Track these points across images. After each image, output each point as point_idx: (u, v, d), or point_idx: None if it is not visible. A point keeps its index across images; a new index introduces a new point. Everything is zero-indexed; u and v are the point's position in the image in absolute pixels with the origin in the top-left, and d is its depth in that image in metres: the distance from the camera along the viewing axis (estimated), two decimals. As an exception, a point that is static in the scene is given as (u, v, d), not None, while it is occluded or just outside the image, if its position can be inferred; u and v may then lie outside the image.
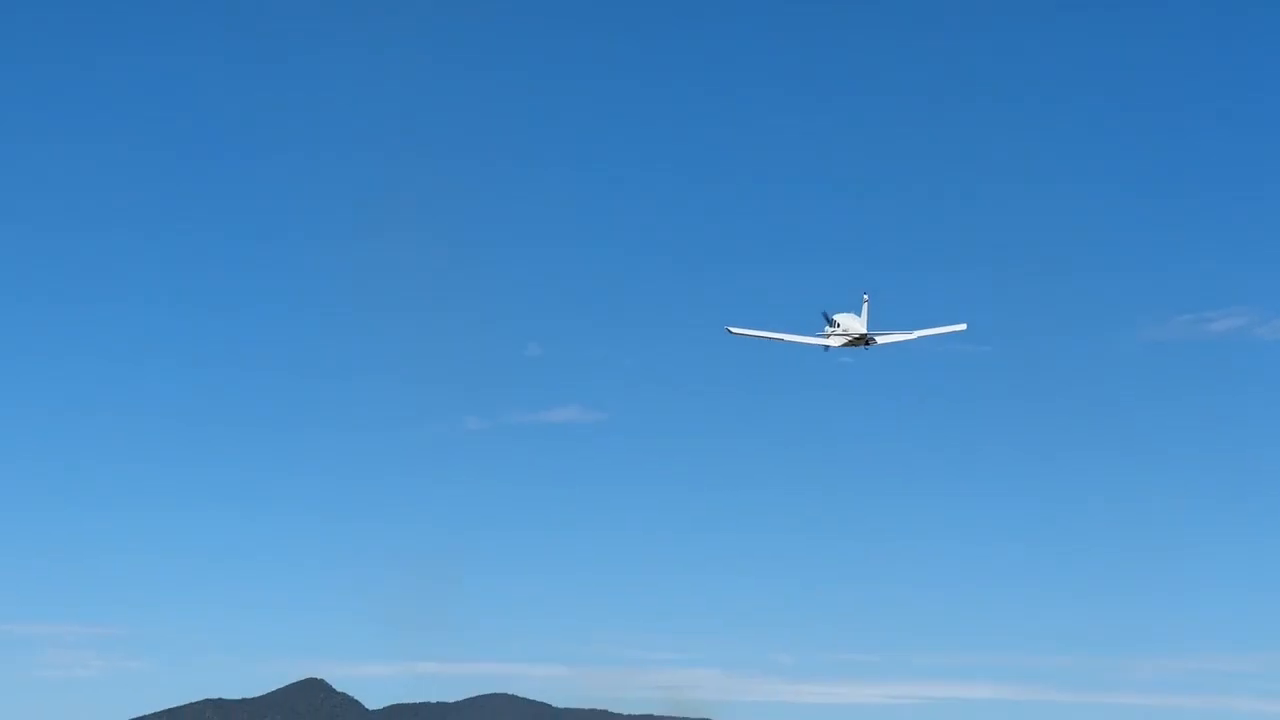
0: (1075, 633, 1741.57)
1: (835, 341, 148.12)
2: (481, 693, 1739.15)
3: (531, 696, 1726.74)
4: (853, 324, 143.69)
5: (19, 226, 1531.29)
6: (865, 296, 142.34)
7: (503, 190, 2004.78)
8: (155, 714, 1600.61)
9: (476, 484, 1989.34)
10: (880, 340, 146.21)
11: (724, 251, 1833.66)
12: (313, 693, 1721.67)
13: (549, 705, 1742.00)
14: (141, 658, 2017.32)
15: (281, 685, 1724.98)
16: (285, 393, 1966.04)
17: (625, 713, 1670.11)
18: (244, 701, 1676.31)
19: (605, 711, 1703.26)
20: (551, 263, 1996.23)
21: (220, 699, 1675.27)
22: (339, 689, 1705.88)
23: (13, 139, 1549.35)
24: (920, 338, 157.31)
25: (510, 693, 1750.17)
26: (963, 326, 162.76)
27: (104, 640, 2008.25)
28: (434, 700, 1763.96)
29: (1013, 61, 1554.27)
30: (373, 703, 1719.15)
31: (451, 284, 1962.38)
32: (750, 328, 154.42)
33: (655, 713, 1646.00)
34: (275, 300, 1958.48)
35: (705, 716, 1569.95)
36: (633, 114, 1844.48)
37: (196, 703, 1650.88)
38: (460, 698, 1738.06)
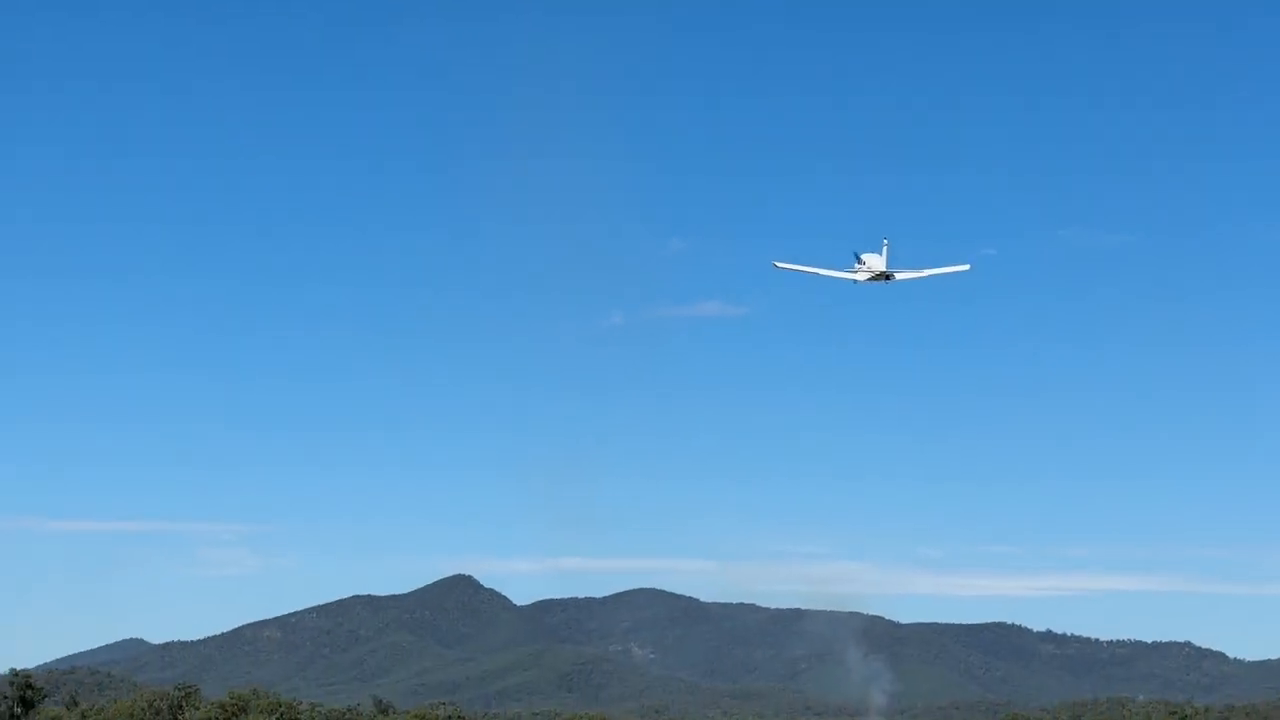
0: (1222, 525, 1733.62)
1: (862, 276, 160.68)
2: (628, 588, 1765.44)
3: (678, 591, 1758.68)
4: (876, 263, 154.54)
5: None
6: (885, 241, 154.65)
7: (643, 100, 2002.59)
8: (307, 610, 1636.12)
9: (620, 380, 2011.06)
10: (898, 276, 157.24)
11: (869, 155, 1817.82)
12: (461, 589, 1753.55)
13: (696, 600, 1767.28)
14: (294, 555, 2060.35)
15: (430, 582, 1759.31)
16: (432, 302, 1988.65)
17: (772, 606, 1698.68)
18: (393, 598, 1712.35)
19: (752, 605, 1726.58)
20: (691, 158, 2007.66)
21: (370, 595, 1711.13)
22: (486, 585, 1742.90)
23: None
24: (930, 275, 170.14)
25: (657, 587, 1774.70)
26: (966, 267, 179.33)
27: (258, 538, 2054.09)
28: (581, 596, 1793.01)
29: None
30: (520, 598, 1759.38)
31: (593, 181, 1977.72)
32: (798, 262, 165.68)
33: (802, 606, 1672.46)
34: (419, 216, 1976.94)
35: (852, 609, 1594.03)
36: (770, 36, 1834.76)
37: (347, 599, 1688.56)
38: (607, 593, 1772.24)
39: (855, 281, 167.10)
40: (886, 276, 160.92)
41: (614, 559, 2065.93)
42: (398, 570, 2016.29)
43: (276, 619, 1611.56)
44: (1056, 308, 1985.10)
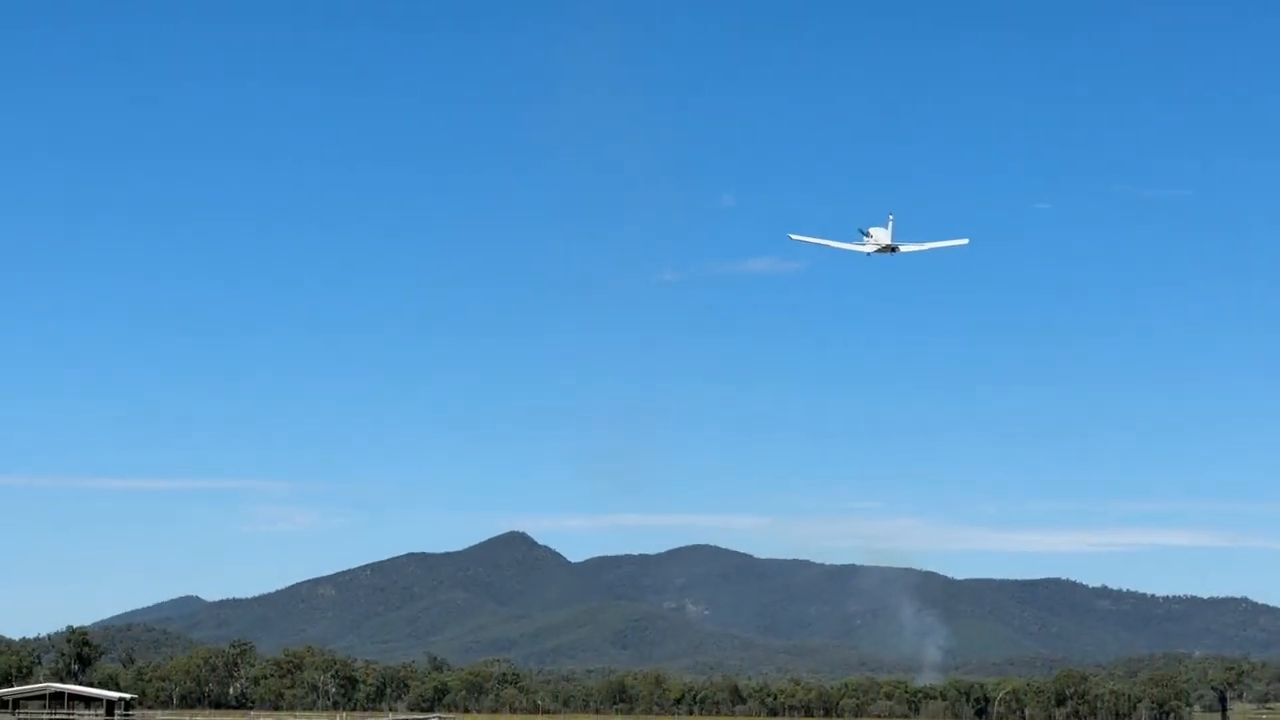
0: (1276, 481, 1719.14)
1: (869, 248, 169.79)
2: (682, 545, 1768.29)
3: (733, 548, 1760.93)
4: (881, 236, 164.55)
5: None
6: (890, 216, 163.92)
7: (693, 46, 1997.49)
8: (361, 567, 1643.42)
9: (672, 337, 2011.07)
10: (903, 249, 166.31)
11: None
12: (515, 546, 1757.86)
13: (750, 556, 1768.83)
14: (347, 513, 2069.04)
15: (485, 539, 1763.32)
16: (484, 256, 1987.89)
17: (826, 562, 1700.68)
18: (448, 555, 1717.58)
19: (807, 561, 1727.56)
20: (746, 110, 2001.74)
21: (424, 552, 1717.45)
22: (541, 542, 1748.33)
23: None
24: (931, 248, 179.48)
25: (711, 544, 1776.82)
26: (965, 241, 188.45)
27: (310, 495, 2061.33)
28: (635, 553, 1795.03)
29: None
30: (574, 555, 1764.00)
31: (643, 136, 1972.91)
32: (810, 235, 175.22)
33: (857, 562, 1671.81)
34: (479, 159, 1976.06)
35: (906, 565, 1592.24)
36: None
37: (400, 556, 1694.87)
38: (661, 550, 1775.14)
39: (865, 254, 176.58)
40: (892, 249, 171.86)
41: (668, 515, 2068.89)
42: (452, 527, 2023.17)
43: (331, 576, 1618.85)
44: (1109, 261, 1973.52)
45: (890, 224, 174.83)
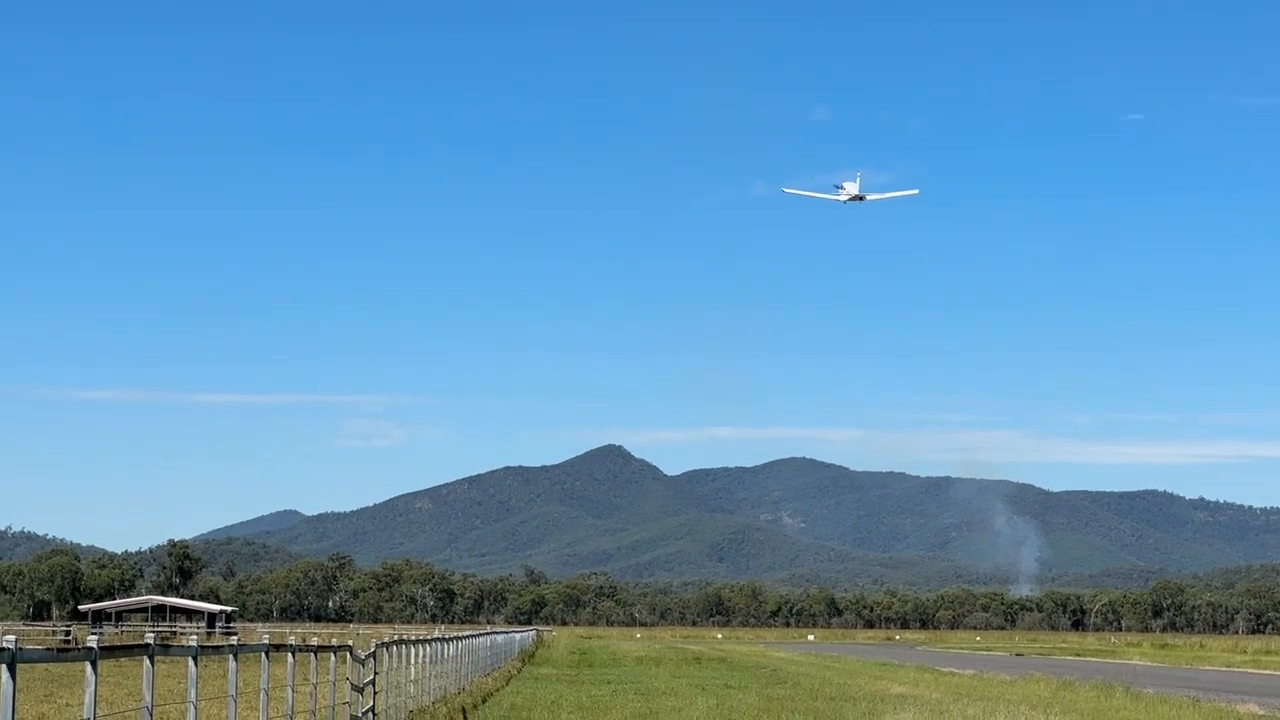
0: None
1: (844, 198, 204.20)
2: (778, 457, 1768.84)
3: (828, 460, 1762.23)
4: (852, 189, 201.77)
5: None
6: (859, 173, 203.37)
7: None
8: (458, 481, 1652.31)
9: (766, 250, 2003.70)
10: (868, 198, 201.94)
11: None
12: (611, 459, 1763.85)
13: (845, 468, 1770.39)
14: (441, 427, 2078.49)
15: (581, 453, 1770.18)
16: (577, 172, 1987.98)
17: (921, 474, 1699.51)
18: (544, 469, 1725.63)
19: (901, 474, 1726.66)
20: (836, 27, 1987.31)
21: (521, 466, 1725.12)
22: (637, 456, 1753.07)
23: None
24: (889, 197, 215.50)
25: (807, 456, 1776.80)
26: (915, 191, 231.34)
27: (406, 410, 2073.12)
28: (731, 465, 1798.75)
29: None
30: (670, 469, 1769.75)
31: (734, 51, 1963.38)
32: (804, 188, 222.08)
33: (951, 475, 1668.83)
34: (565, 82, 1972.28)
35: (1001, 477, 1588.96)
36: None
37: (498, 470, 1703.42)
38: (757, 463, 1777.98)
39: (841, 202, 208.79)
40: (860, 198, 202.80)
41: (763, 428, 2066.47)
42: (548, 441, 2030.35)
43: (428, 490, 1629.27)
44: (1203, 170, 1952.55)
45: (858, 179, 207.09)
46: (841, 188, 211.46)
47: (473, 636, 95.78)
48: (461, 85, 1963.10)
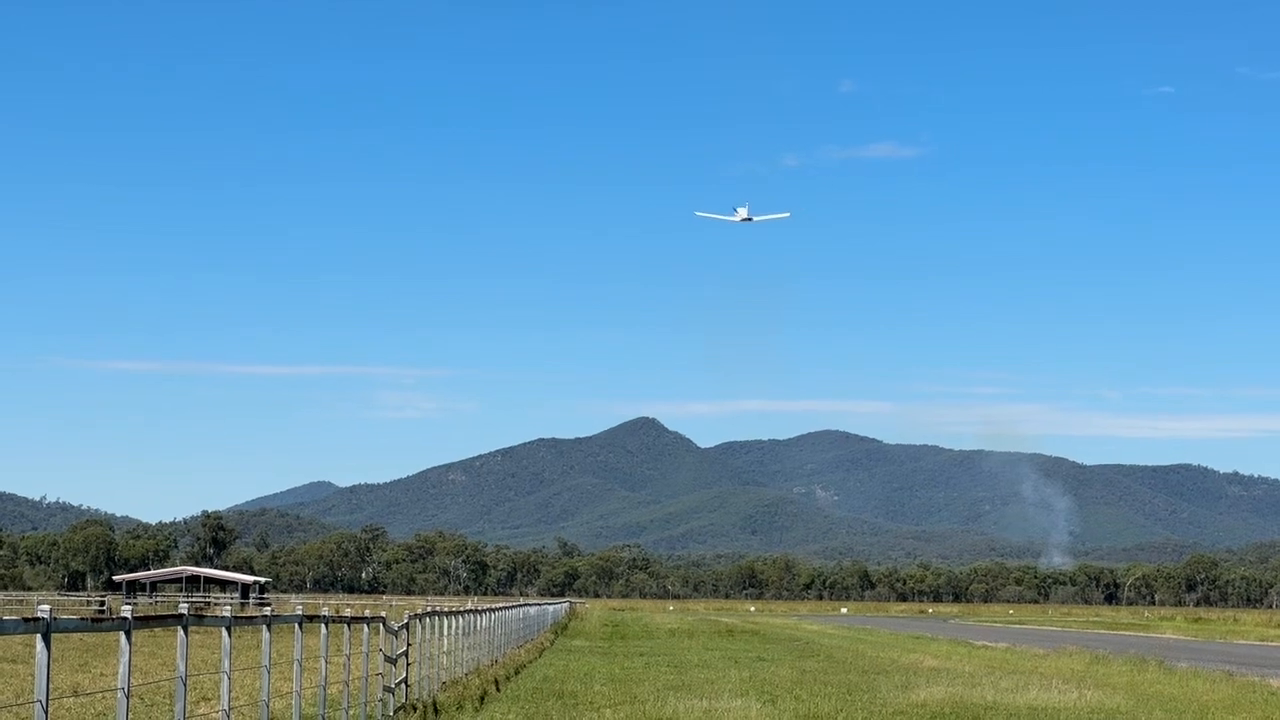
0: None
1: (738, 219, 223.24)
2: (811, 430, 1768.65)
3: (861, 433, 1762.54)
4: (743, 212, 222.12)
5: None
6: (747, 203, 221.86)
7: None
8: (491, 453, 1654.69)
9: (795, 222, 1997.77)
10: (755, 219, 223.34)
11: None
12: (645, 432, 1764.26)
13: (878, 441, 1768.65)
14: (474, 399, 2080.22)
15: (614, 425, 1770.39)
16: (607, 142, 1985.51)
17: (954, 447, 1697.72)
18: (578, 441, 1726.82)
19: (935, 447, 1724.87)
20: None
21: (554, 438, 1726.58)
22: (670, 428, 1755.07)
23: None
24: (767, 219, 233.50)
25: (840, 429, 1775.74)
26: (787, 214, 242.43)
27: (439, 383, 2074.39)
28: (764, 438, 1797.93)
29: None
30: (703, 441, 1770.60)
31: (763, 22, 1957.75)
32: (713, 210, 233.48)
33: (984, 447, 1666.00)
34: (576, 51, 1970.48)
35: (1034, 451, 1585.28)
36: None
37: (530, 442, 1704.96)
38: (790, 436, 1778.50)
39: (735, 222, 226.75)
40: (749, 219, 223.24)
41: (796, 401, 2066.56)
42: (582, 413, 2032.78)
43: (461, 462, 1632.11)
44: (1234, 143, 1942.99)
45: (748, 206, 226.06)
46: (737, 210, 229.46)
47: (505, 608, 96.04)
48: (490, 55, 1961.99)
